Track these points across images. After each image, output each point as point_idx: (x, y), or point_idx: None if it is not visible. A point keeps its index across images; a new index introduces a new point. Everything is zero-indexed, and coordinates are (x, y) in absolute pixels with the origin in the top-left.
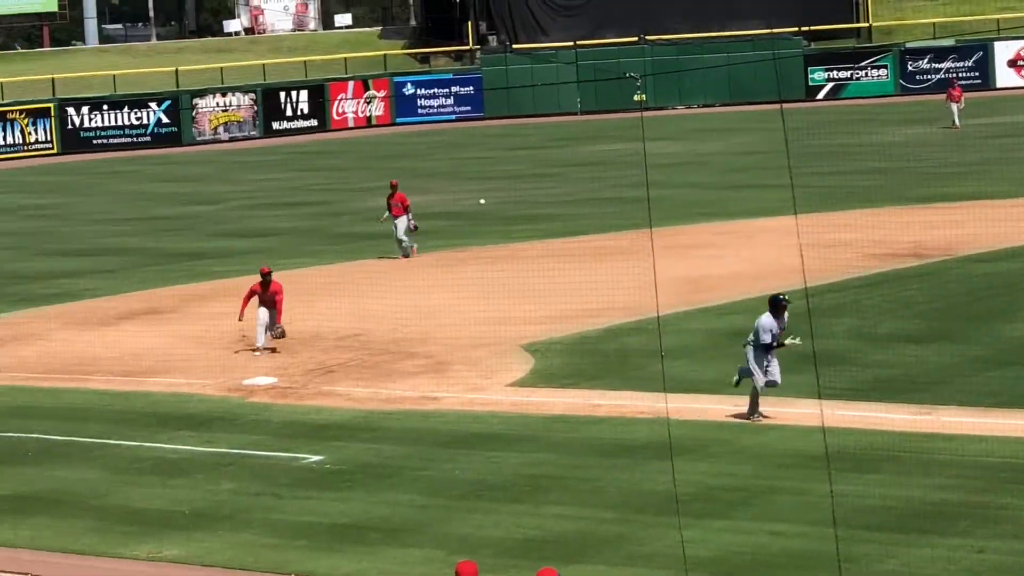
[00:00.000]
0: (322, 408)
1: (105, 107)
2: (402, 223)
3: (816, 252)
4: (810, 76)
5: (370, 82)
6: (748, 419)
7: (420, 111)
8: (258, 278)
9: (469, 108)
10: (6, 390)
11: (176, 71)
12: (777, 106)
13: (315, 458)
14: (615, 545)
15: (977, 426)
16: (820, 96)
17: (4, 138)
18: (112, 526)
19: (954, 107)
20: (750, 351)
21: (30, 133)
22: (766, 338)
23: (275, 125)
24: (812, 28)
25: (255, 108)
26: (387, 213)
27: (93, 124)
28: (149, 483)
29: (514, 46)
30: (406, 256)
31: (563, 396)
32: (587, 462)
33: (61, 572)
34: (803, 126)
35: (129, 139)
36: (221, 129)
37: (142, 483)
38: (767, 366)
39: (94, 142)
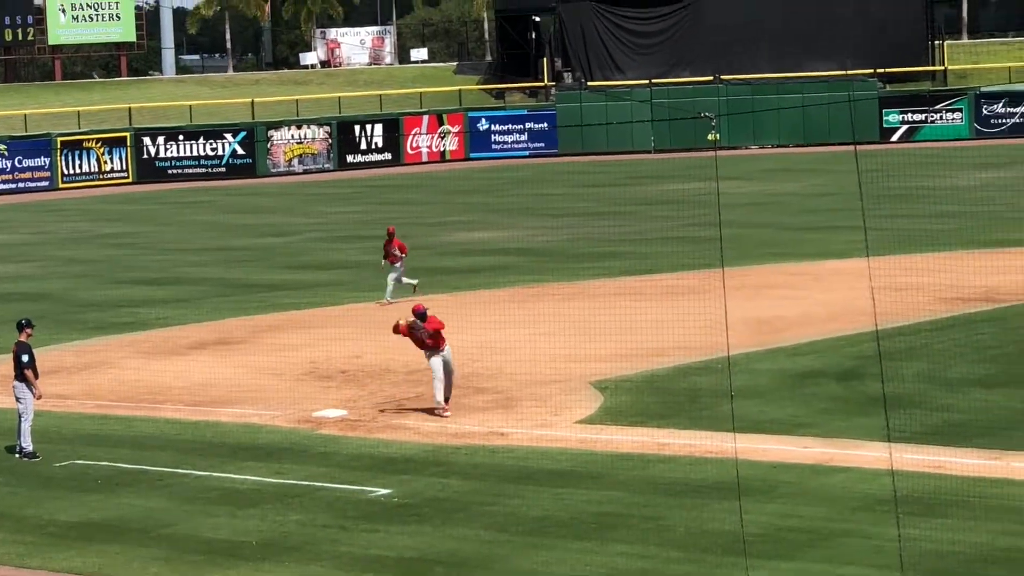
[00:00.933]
0: (391, 442)
1: (181, 137)
2: (394, 271)
3: (887, 295)
4: (885, 119)
5: (445, 117)
6: None
7: (494, 146)
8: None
9: (543, 144)
10: (77, 417)
11: (252, 103)
12: (851, 148)
13: (383, 491)
14: None
15: None
16: (894, 139)
17: (81, 166)
18: (180, 555)
19: None
20: None
21: (106, 162)
22: None
23: (349, 158)
24: (887, 71)
25: (330, 141)
26: (384, 261)
27: (168, 154)
28: (217, 513)
29: (589, 83)
30: (390, 302)
31: (631, 434)
32: (654, 500)
33: None
34: (877, 168)
35: (204, 170)
36: (296, 161)
37: (211, 513)
38: None
39: (169, 172)
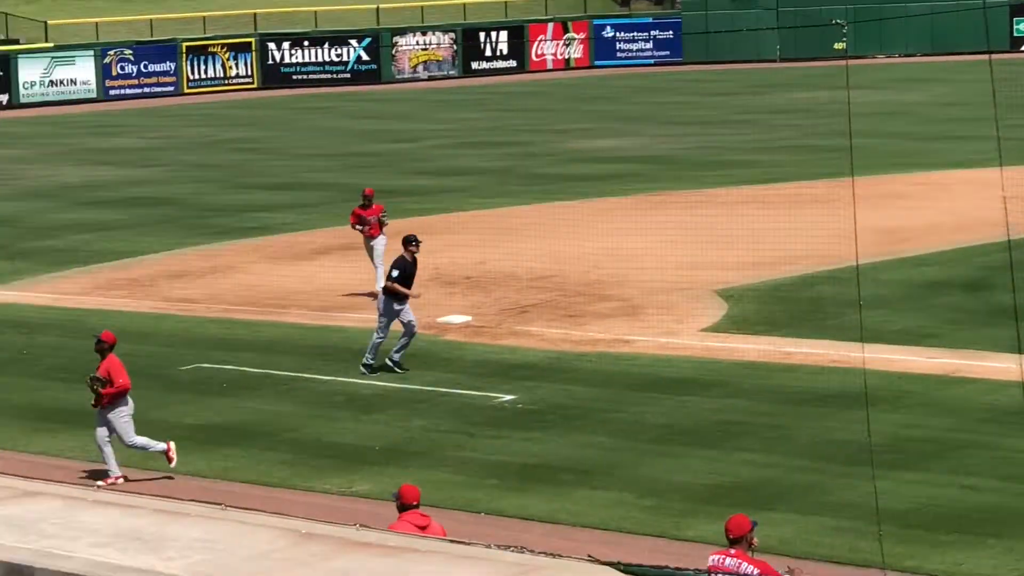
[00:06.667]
0: (515, 348)
1: (306, 43)
2: (380, 245)
3: (1018, 205)
4: (1015, 27)
5: (570, 24)
6: None
7: (619, 54)
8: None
9: (668, 53)
10: (203, 322)
11: (377, 9)
12: (978, 57)
13: (507, 397)
14: (805, 493)
15: None
16: None
17: (206, 72)
18: (304, 459)
19: None
20: None
21: (231, 67)
22: None
23: (474, 65)
24: None
25: (455, 48)
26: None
27: (293, 60)
28: (342, 418)
29: None
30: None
31: (756, 343)
32: (778, 409)
33: (252, 504)
34: (1008, 77)
35: (329, 75)
36: (420, 68)
37: (335, 418)
38: None
39: (294, 77)
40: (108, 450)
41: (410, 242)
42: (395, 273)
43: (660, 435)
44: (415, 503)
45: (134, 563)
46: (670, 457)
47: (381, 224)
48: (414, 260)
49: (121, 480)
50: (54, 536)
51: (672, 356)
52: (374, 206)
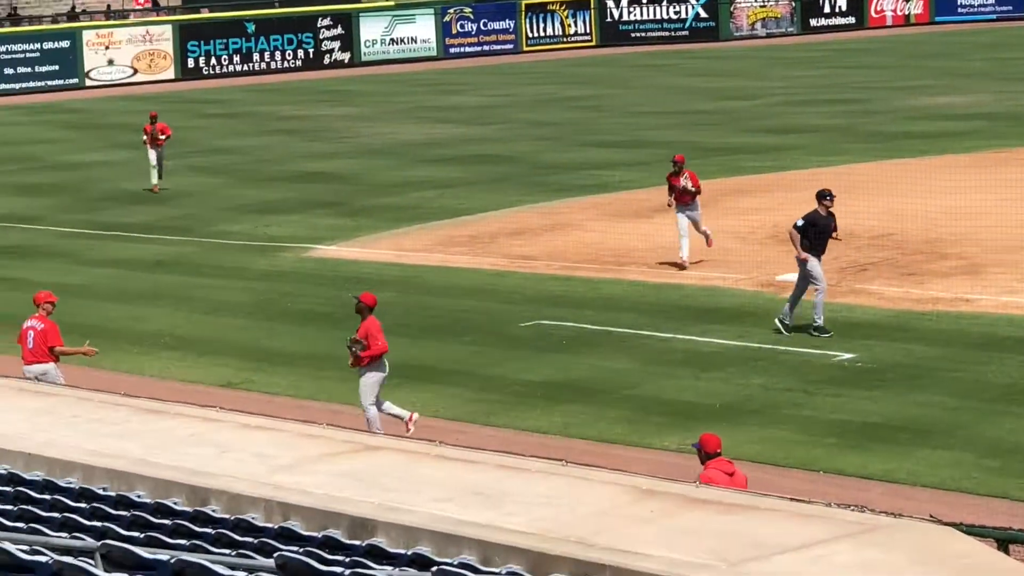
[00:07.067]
0: (854, 306)
1: (644, 1)
2: (695, 214)
3: None
4: None
5: None
6: None
7: (960, 10)
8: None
9: (1010, 8)
10: (543, 278)
11: None
12: None
13: (846, 356)
14: None
15: None
16: None
17: (545, 29)
18: (644, 416)
19: None
20: None
21: (570, 25)
22: None
23: (812, 22)
24: None
25: (793, 4)
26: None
27: (632, 17)
28: (681, 375)
29: None
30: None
31: None
32: None
33: (591, 460)
34: None
35: (667, 33)
36: (759, 25)
37: (674, 375)
38: None
39: (632, 35)
40: (385, 404)
41: (823, 196)
42: (800, 223)
43: (1002, 395)
44: (719, 451)
45: (475, 518)
46: (1013, 417)
47: (686, 192)
48: (829, 215)
49: (416, 416)
50: (396, 490)
51: (1015, 315)
52: (685, 172)
